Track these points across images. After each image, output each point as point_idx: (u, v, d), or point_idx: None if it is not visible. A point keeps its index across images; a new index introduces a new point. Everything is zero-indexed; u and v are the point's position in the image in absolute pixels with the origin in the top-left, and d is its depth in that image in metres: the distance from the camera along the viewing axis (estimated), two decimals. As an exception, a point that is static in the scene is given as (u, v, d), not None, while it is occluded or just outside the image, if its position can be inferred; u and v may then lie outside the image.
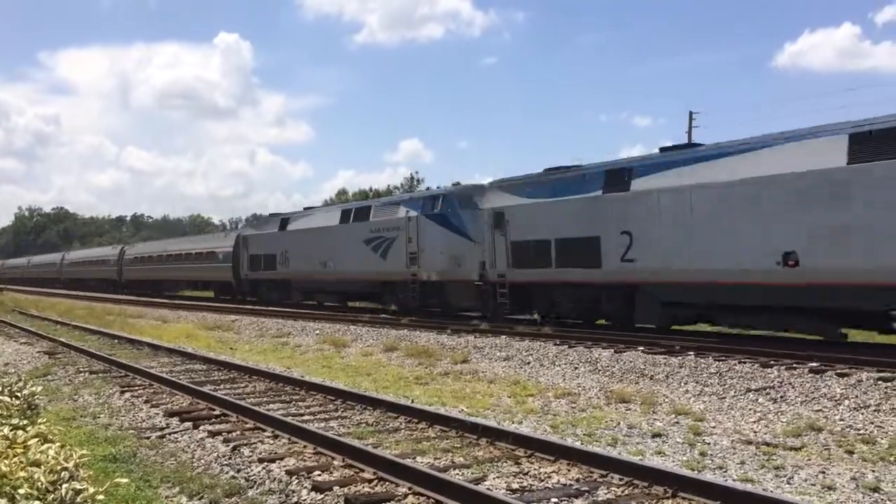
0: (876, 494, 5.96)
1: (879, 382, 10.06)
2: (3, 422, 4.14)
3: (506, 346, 15.64)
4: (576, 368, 13.08)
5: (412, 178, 74.61)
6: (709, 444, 7.81)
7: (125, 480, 3.37)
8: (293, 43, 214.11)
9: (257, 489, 6.23)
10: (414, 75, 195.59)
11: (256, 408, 8.95)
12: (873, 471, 6.66)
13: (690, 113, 46.46)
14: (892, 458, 7.04)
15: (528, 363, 13.88)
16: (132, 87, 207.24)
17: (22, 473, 3.08)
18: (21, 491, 2.85)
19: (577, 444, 7.37)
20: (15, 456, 3.38)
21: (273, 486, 6.26)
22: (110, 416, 9.34)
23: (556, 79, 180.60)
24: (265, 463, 6.85)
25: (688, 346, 13.90)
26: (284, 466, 6.70)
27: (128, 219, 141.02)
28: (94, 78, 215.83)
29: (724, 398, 10.28)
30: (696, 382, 11.26)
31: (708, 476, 6.32)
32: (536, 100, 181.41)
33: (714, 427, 8.61)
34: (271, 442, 7.67)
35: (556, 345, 15.31)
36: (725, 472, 6.72)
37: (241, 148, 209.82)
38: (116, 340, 19.04)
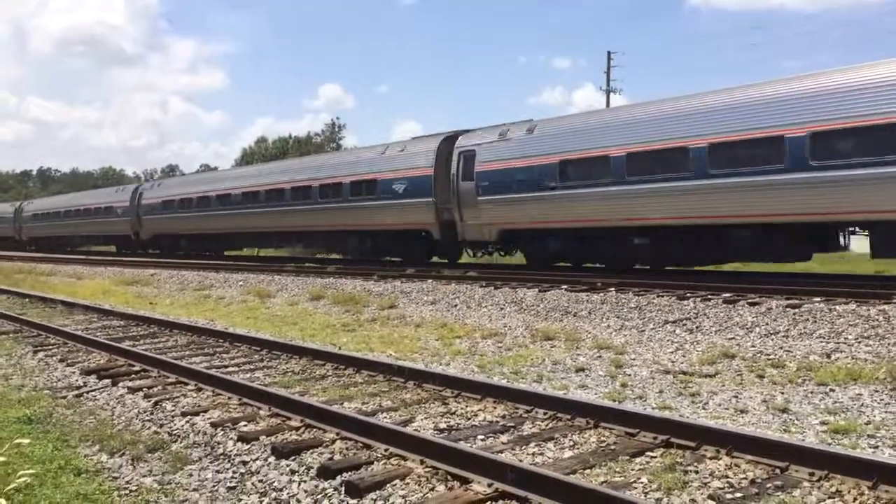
0: (785, 415, 6.27)
1: (788, 309, 10.56)
2: None
3: (432, 290, 15.69)
4: (502, 309, 13.25)
5: (334, 124, 73.28)
6: (629, 375, 8.06)
7: (26, 441, 3.21)
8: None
9: (181, 443, 6.10)
10: (331, 19, 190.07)
11: (178, 361, 8.73)
12: (782, 393, 7.00)
13: (609, 53, 47.02)
14: (799, 381, 7.42)
15: (455, 306, 13.98)
16: (28, 33, 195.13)
17: (-85, 440, 2.89)
18: (-87, 459, 2.67)
19: (503, 382, 7.49)
20: None
21: (198, 438, 6.14)
22: (23, 377, 8.96)
23: (475, 20, 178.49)
24: (189, 416, 6.70)
25: (609, 283, 14.25)
26: (209, 419, 6.57)
27: (34, 173, 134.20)
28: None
29: (644, 331, 10.61)
30: (618, 317, 11.57)
31: (628, 406, 6.52)
32: (456, 42, 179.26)
33: (634, 359, 8.88)
34: (194, 395, 7.50)
35: (482, 286, 15.46)
36: (645, 401, 6.95)
37: (151, 96, 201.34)
38: (27, 299, 18.24)
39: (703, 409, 6.60)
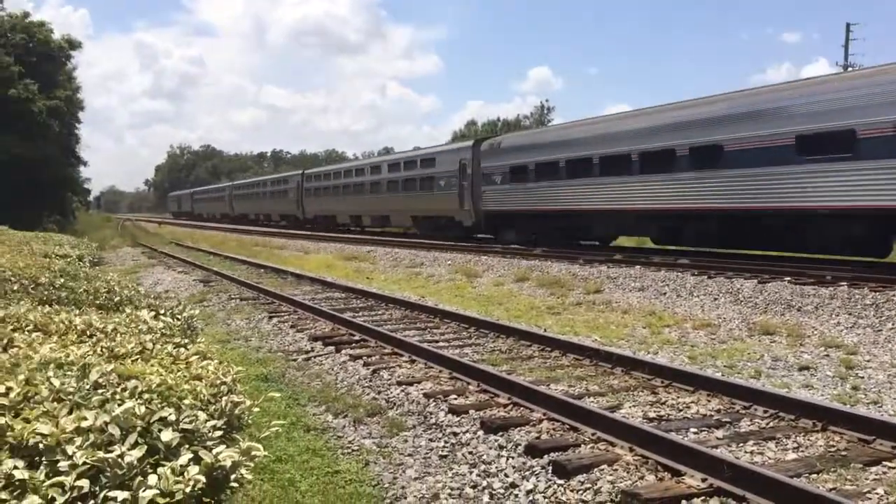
0: None
1: None
2: (168, 340, 4.47)
3: (640, 277, 15.29)
4: (715, 299, 12.62)
5: (542, 106, 73.44)
6: (862, 377, 7.36)
7: (278, 395, 3.58)
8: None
9: (397, 410, 6.48)
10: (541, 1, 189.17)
11: (394, 334, 9.24)
12: None
13: (848, 25, 42.62)
14: None
15: (665, 294, 13.53)
16: (267, 26, 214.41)
17: (186, 386, 3.32)
18: (186, 402, 3.07)
19: (718, 376, 7.15)
20: (178, 371, 3.65)
21: (412, 407, 6.49)
22: (260, 340, 9.95)
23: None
24: (403, 386, 7.11)
25: (840, 276, 13.05)
26: (422, 390, 6.92)
27: (268, 155, 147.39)
28: (232, 19, 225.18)
29: (881, 331, 9.62)
30: (849, 314, 10.59)
31: (861, 410, 5.97)
32: (669, 20, 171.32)
33: (868, 360, 8.10)
34: (408, 366, 7.92)
35: (693, 275, 14.81)
36: (881, 407, 6.32)
37: (371, 82, 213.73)
38: (263, 270, 20.17)
39: (954, 421, 5.87)
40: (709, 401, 6.29)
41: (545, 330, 10.20)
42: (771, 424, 5.61)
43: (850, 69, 39.36)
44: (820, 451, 4.99)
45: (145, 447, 2.49)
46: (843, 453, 4.88)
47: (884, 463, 4.70)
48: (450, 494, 4.65)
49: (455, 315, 11.01)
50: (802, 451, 5.00)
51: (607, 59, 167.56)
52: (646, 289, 14.13)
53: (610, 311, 12.18)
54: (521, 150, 24.61)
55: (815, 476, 4.52)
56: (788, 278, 13.38)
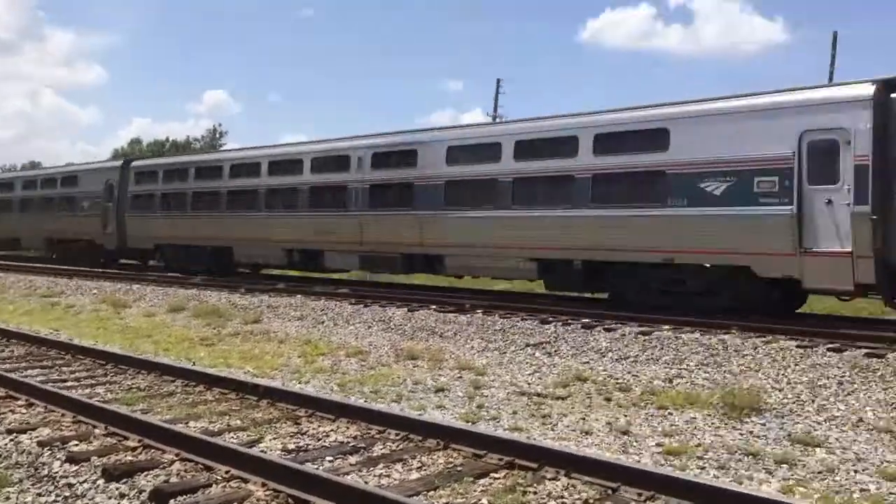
0: (625, 437, 6.53)
1: (639, 336, 11.06)
2: None
3: (301, 306, 15.41)
4: (369, 327, 13.17)
5: (215, 129, 71.13)
6: (487, 396, 8.16)
7: None
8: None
9: (2, 463, 5.63)
10: (223, 23, 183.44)
11: (9, 374, 8.09)
12: (625, 415, 7.29)
13: (498, 80, 47.80)
14: (642, 404, 7.76)
15: (323, 322, 13.78)
16: None
17: None
18: None
19: (359, 402, 7.40)
20: None
21: (21, 458, 5.69)
22: None
23: (373, 36, 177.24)
24: (14, 434, 6.22)
25: (478, 304, 14.46)
26: (36, 437, 6.12)
27: None
28: None
29: (506, 353, 10.81)
30: (482, 339, 11.74)
31: (480, 427, 6.59)
32: (352, 57, 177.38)
33: (493, 380, 9.02)
34: (24, 411, 6.96)
35: (351, 304, 15.33)
36: (498, 422, 7.05)
37: (23, 87, 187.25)
38: None
39: (552, 430, 6.77)
40: (348, 428, 6.46)
41: (194, 363, 9.74)
42: (401, 447, 5.92)
43: (498, 119, 44.50)
44: (440, 468, 5.38)
45: None
46: (459, 469, 5.32)
47: (491, 475, 5.21)
48: (53, 556, 4.12)
49: (91, 350, 10.01)
50: (425, 470, 5.34)
51: (288, 89, 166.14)
52: (305, 318, 14.26)
53: (267, 341, 12.05)
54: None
55: (432, 493, 4.85)
56: (434, 306, 14.48)
